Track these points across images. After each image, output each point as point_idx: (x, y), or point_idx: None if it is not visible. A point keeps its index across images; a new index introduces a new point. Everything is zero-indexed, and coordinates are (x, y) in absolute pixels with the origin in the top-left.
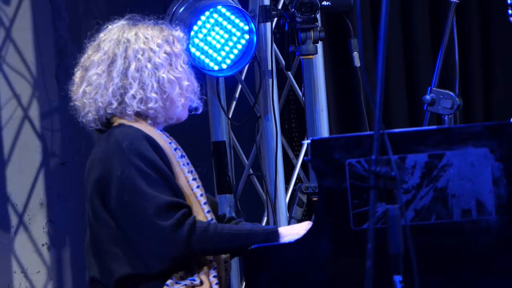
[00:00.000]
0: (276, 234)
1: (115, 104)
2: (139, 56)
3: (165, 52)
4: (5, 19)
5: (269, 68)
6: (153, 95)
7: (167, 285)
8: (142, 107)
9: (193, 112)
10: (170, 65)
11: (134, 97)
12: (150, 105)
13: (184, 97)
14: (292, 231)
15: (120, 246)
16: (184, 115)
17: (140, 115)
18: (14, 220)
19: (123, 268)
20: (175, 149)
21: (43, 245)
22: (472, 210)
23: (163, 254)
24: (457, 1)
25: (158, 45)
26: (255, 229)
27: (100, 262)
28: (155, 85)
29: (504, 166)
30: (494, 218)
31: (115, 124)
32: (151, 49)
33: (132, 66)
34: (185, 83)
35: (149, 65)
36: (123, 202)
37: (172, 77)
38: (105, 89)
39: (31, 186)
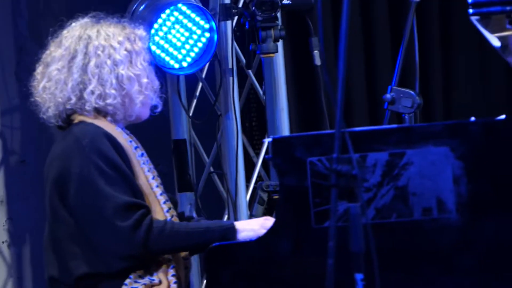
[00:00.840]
0: (232, 230)
1: (74, 100)
2: (99, 52)
3: (125, 50)
4: None
5: (230, 66)
6: (112, 91)
7: (126, 284)
8: (100, 103)
9: (153, 111)
10: (130, 62)
11: (92, 92)
12: (109, 101)
13: (143, 94)
14: (248, 227)
15: (79, 245)
16: (144, 113)
17: (99, 112)
18: None
19: (82, 266)
20: (135, 148)
21: (3, 242)
22: (432, 209)
23: (121, 254)
24: (418, 0)
25: (119, 42)
26: (211, 226)
27: (59, 260)
28: (114, 81)
29: (464, 165)
30: (454, 216)
31: (75, 121)
32: (111, 46)
33: (92, 62)
34: (144, 80)
35: (108, 62)
36: (82, 200)
37: (132, 74)
38: (65, 84)
39: None
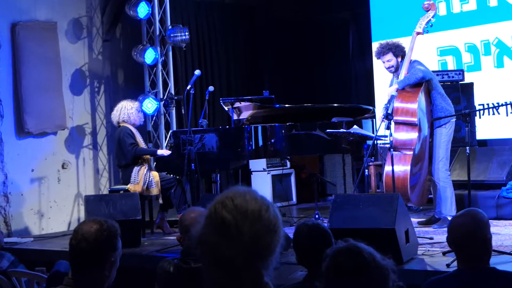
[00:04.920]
0: (156, 151)
1: (117, 118)
2: (125, 110)
3: (132, 108)
4: None
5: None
6: (126, 117)
7: (135, 168)
8: (123, 119)
9: (140, 124)
10: (132, 110)
11: (122, 117)
12: (125, 119)
13: (135, 118)
14: (161, 152)
15: (123, 156)
16: (137, 123)
17: (124, 121)
18: None
19: (123, 161)
20: (137, 132)
21: None
22: (212, 148)
23: (130, 155)
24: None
25: (132, 107)
26: (153, 149)
27: (120, 159)
28: (126, 115)
29: (218, 138)
30: (215, 151)
31: (121, 124)
32: (130, 107)
33: (124, 110)
34: (136, 114)
35: (126, 110)
36: (122, 143)
37: (133, 113)
38: (116, 114)
39: None
